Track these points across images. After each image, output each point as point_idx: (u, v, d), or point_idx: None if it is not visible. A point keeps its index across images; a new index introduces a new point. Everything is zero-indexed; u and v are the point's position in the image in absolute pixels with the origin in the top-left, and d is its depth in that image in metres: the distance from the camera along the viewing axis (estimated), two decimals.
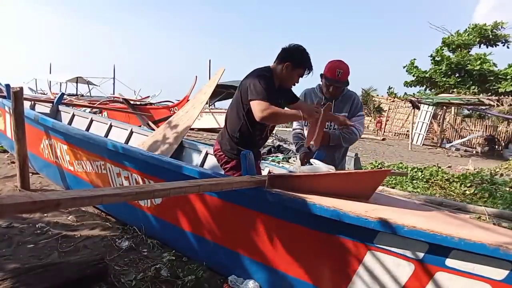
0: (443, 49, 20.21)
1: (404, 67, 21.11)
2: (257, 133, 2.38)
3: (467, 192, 5.19)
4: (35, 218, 2.86)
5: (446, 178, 5.72)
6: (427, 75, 19.84)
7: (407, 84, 21.18)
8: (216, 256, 2.25)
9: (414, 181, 5.64)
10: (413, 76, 20.58)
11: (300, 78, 2.35)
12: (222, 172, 2.45)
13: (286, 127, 14.51)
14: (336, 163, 2.81)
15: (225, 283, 2.11)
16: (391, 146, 14.68)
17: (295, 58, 2.25)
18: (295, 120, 2.74)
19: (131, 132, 4.47)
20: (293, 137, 2.98)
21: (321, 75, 2.71)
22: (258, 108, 2.08)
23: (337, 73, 2.60)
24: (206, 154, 3.71)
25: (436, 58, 20.04)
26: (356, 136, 2.75)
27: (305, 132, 2.81)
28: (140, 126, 6.35)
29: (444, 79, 19.05)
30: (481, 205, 4.23)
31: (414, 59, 20.69)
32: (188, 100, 9.58)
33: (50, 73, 22.10)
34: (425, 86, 20.71)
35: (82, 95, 18.68)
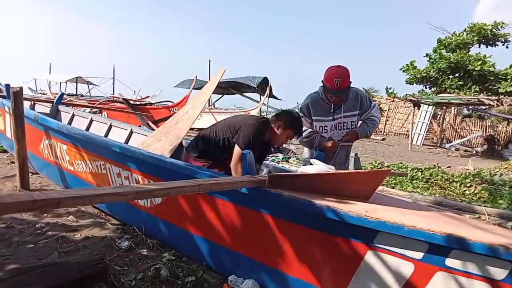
0: (441, 49, 20.24)
1: (400, 69, 21.18)
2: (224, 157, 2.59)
3: (467, 192, 5.19)
4: (35, 218, 2.86)
5: (446, 178, 5.72)
6: (424, 74, 19.87)
7: (408, 81, 21.21)
8: (216, 256, 2.25)
9: (414, 181, 5.64)
10: (411, 75, 20.63)
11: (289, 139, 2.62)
12: None
13: None
14: (344, 163, 2.87)
15: (225, 283, 2.11)
16: (391, 146, 14.68)
17: (288, 120, 2.53)
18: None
19: (131, 132, 4.47)
20: (306, 136, 2.78)
21: (322, 81, 2.66)
22: (238, 158, 2.35)
23: (335, 83, 2.54)
24: None
25: (433, 56, 20.08)
26: (377, 123, 2.88)
27: (325, 135, 2.81)
28: (140, 126, 6.35)
29: (443, 77, 19.07)
30: (481, 205, 4.23)
31: (413, 61, 20.76)
32: (188, 100, 9.59)
33: (49, 73, 22.10)
34: (425, 85, 20.76)
35: (82, 95, 18.67)
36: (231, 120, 2.66)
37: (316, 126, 2.80)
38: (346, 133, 2.79)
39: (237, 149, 2.41)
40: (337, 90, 2.57)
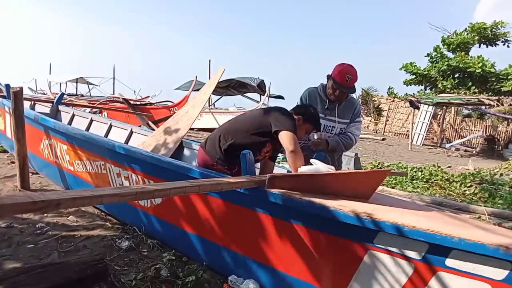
0: (441, 48, 20.25)
1: (400, 68, 21.19)
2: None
3: (467, 192, 5.19)
4: (35, 218, 2.86)
5: (446, 178, 5.72)
6: (425, 73, 19.88)
7: (407, 82, 21.21)
8: (216, 256, 2.25)
9: (414, 181, 5.64)
10: (412, 74, 20.62)
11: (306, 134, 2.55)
12: None
13: None
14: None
15: (225, 283, 2.11)
16: (391, 146, 14.67)
17: (307, 114, 2.45)
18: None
19: (131, 132, 4.47)
20: None
21: (328, 76, 2.67)
22: (292, 140, 2.21)
23: (346, 79, 2.56)
24: None
25: (433, 55, 20.09)
26: (352, 142, 2.78)
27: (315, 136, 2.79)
28: (140, 126, 6.35)
29: (443, 78, 19.08)
30: (481, 205, 4.23)
31: (412, 61, 20.77)
32: (188, 100, 9.58)
33: (50, 73, 22.11)
34: (424, 85, 20.76)
35: (82, 95, 18.70)
36: (253, 114, 2.50)
37: None
38: (318, 137, 2.73)
39: (286, 134, 2.22)
40: (346, 86, 2.58)
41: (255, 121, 2.38)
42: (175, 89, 16.26)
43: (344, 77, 2.56)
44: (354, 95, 2.84)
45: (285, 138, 2.23)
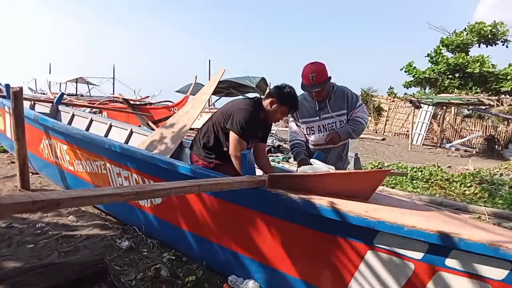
0: (441, 49, 20.28)
1: (401, 69, 21.21)
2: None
3: (467, 192, 5.19)
4: (35, 218, 2.86)
5: (446, 178, 5.72)
6: (426, 75, 19.90)
7: (406, 84, 21.24)
8: (216, 256, 2.25)
9: (414, 181, 5.64)
10: (412, 76, 20.66)
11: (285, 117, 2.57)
12: None
13: (286, 127, 14.50)
14: (334, 165, 2.83)
15: (225, 283, 2.11)
16: (391, 146, 14.67)
17: (281, 96, 2.42)
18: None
19: (131, 132, 4.47)
20: (292, 145, 2.87)
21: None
22: (235, 145, 2.32)
23: (310, 78, 2.54)
24: None
25: (433, 56, 20.11)
26: (362, 125, 2.75)
27: (311, 138, 2.80)
28: (140, 126, 6.35)
29: (442, 78, 19.10)
30: (481, 205, 4.23)
31: (412, 62, 20.82)
32: (188, 100, 9.58)
33: (49, 73, 22.11)
34: (424, 87, 20.78)
35: (82, 95, 18.68)
36: (224, 107, 2.57)
37: (303, 128, 2.81)
38: (328, 134, 2.71)
39: (232, 136, 2.33)
40: (313, 84, 2.56)
41: (225, 115, 2.45)
42: (176, 91, 16.31)
43: (308, 77, 2.55)
44: (338, 84, 2.79)
45: (231, 139, 2.35)
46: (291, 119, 2.90)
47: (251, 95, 15.72)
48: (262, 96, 2.61)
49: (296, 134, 2.87)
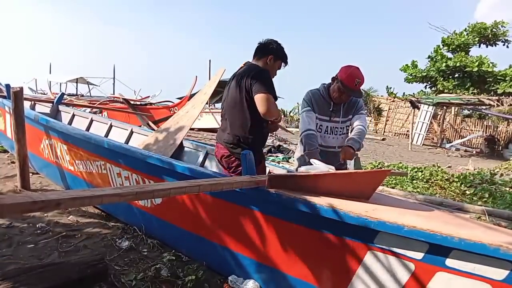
0: (441, 49, 20.30)
1: (400, 69, 21.23)
2: (264, 129, 2.44)
3: (467, 192, 5.19)
4: (35, 218, 2.86)
5: (446, 178, 5.72)
6: (424, 74, 19.94)
7: (408, 80, 21.25)
8: (216, 256, 2.25)
9: (414, 181, 5.64)
10: (411, 75, 20.73)
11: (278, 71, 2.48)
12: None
13: (286, 127, 14.48)
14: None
15: (225, 283, 2.11)
16: (391, 146, 14.67)
17: (277, 51, 2.40)
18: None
19: (131, 132, 4.47)
20: (307, 135, 2.59)
21: (333, 78, 2.60)
22: (267, 102, 2.18)
23: (355, 83, 2.50)
24: (206, 154, 3.71)
25: (433, 56, 20.15)
26: (365, 133, 2.72)
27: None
28: (140, 126, 6.35)
29: (443, 78, 19.12)
30: (481, 205, 4.23)
31: (413, 61, 20.85)
32: (188, 100, 9.57)
33: (50, 73, 22.12)
34: (425, 84, 20.83)
35: (82, 95, 18.70)
36: (233, 88, 2.35)
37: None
38: (342, 150, 2.60)
39: (265, 96, 2.16)
40: (354, 90, 2.54)
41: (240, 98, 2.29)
42: (177, 98, 16.30)
43: (353, 80, 2.49)
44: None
45: (261, 101, 2.18)
46: (305, 109, 2.69)
47: None
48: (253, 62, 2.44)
49: (310, 124, 2.65)
